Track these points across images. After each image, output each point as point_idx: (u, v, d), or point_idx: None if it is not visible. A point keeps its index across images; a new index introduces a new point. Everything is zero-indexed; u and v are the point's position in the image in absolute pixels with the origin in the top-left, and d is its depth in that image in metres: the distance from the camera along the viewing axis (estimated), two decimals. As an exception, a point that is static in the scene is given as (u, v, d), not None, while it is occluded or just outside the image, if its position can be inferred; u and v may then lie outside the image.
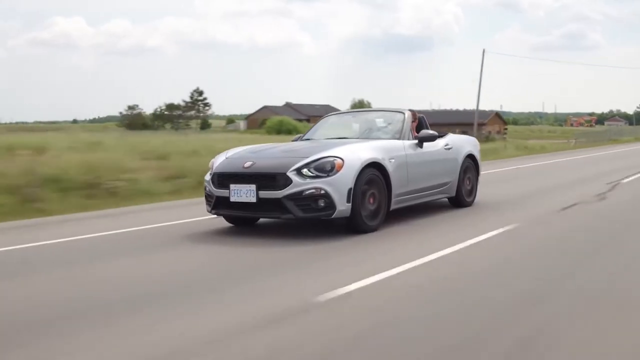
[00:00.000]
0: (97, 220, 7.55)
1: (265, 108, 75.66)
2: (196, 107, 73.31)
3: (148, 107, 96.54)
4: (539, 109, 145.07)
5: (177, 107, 72.61)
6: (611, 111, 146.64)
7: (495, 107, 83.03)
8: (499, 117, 65.29)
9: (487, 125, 54.16)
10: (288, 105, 79.47)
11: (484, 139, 34.72)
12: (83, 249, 5.70)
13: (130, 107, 76.94)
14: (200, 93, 73.72)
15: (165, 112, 72.72)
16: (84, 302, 3.83)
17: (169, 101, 74.46)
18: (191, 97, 73.30)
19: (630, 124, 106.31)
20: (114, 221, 7.35)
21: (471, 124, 39.55)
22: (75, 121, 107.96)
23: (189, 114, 72.14)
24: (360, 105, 72.85)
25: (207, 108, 74.35)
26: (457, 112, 66.73)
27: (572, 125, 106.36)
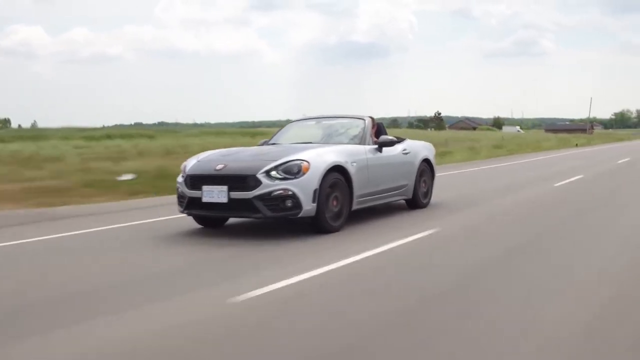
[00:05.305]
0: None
1: (461, 121, 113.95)
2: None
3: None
4: (507, 115, 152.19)
5: (424, 120, 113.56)
6: (587, 117, 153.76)
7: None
8: (591, 124, 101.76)
9: (589, 129, 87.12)
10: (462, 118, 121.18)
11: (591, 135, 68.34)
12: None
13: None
14: (440, 113, 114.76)
15: (415, 123, 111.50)
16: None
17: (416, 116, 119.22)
18: (434, 114, 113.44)
19: (606, 128, 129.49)
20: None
21: (579, 130, 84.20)
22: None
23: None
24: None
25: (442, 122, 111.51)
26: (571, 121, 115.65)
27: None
